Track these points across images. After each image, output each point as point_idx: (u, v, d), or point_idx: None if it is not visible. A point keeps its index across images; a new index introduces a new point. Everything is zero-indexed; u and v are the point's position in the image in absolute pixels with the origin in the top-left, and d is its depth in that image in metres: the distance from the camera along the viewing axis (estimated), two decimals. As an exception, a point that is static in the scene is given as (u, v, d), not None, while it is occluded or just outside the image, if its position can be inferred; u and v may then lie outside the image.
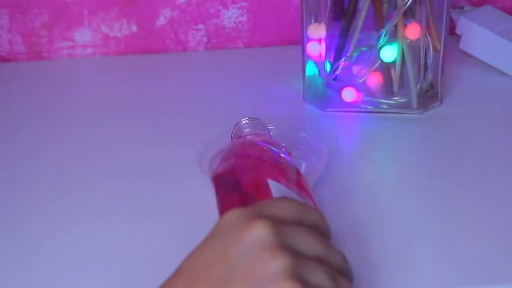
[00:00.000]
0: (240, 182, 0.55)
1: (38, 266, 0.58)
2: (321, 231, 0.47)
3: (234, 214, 0.44)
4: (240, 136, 0.63)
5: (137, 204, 0.65)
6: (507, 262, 0.56)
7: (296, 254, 0.43)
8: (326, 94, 0.77)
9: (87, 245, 0.60)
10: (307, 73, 0.78)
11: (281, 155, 0.58)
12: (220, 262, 0.42)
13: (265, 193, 0.52)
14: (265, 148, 0.58)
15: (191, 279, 0.43)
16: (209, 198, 0.63)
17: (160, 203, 0.64)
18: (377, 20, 0.73)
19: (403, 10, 0.71)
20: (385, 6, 0.73)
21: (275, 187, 0.53)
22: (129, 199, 0.66)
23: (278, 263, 0.41)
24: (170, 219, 0.62)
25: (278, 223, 0.43)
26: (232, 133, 0.63)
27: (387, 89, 0.76)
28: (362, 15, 0.73)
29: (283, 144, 0.61)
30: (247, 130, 0.62)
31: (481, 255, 0.57)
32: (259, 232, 0.42)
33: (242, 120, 0.63)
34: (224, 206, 0.54)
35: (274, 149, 0.58)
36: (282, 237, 0.43)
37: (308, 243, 0.44)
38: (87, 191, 0.67)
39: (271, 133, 0.64)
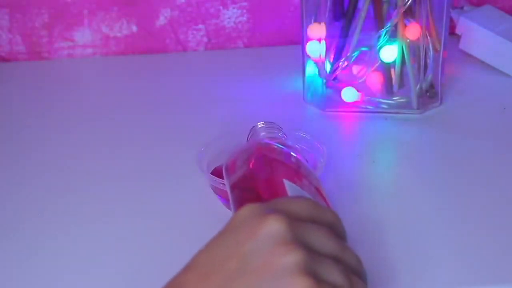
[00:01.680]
0: (256, 187, 0.55)
1: (38, 266, 0.58)
2: (336, 232, 0.47)
3: (247, 209, 0.44)
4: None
5: (136, 204, 0.65)
6: (507, 262, 0.56)
7: (310, 251, 0.42)
8: (326, 94, 0.77)
9: (87, 245, 0.60)
10: (307, 73, 0.78)
11: (295, 155, 0.58)
12: (233, 257, 0.42)
13: (280, 193, 0.52)
14: (281, 150, 0.58)
15: (203, 273, 0.42)
16: (209, 198, 0.63)
17: (159, 203, 0.64)
18: (377, 20, 0.73)
19: (403, 10, 0.71)
20: (385, 6, 0.73)
21: (291, 188, 0.52)
22: (128, 199, 0.66)
23: (291, 258, 0.41)
24: (169, 219, 0.62)
25: (292, 219, 0.43)
26: (248, 136, 0.63)
27: (387, 89, 0.76)
28: (362, 15, 0.73)
29: (298, 146, 0.61)
30: (263, 134, 0.62)
31: (481, 255, 0.57)
32: (273, 226, 0.42)
33: (258, 124, 0.63)
34: (238, 207, 0.53)
35: (289, 151, 0.58)
36: (296, 233, 0.42)
37: (323, 241, 0.44)
38: (87, 191, 0.67)
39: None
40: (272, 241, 0.41)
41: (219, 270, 0.42)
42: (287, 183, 0.53)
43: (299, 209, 0.45)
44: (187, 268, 0.44)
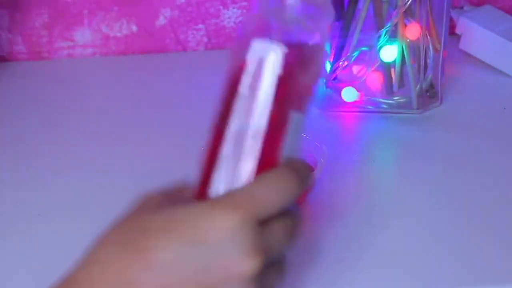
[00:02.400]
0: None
1: (38, 266, 0.58)
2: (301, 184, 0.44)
3: (230, 224, 0.40)
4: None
5: (137, 204, 0.65)
6: (507, 262, 0.56)
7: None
8: (326, 94, 0.77)
9: (87, 245, 0.60)
10: (307, 73, 0.78)
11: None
12: (199, 284, 0.40)
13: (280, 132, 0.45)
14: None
15: (164, 284, 0.40)
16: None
17: (160, 203, 0.64)
18: (377, 20, 0.73)
19: (403, 10, 0.71)
20: (385, 6, 0.73)
21: (293, 123, 0.45)
22: (128, 199, 0.65)
23: None
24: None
25: (266, 256, 0.41)
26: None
27: (387, 89, 0.76)
28: (362, 15, 0.73)
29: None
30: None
31: (481, 255, 0.57)
32: (248, 272, 0.40)
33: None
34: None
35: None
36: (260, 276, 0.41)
37: (281, 251, 0.43)
38: (87, 190, 0.67)
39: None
40: (241, 284, 0.40)
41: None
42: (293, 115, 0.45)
43: (278, 203, 0.42)
44: (136, 254, 0.42)
